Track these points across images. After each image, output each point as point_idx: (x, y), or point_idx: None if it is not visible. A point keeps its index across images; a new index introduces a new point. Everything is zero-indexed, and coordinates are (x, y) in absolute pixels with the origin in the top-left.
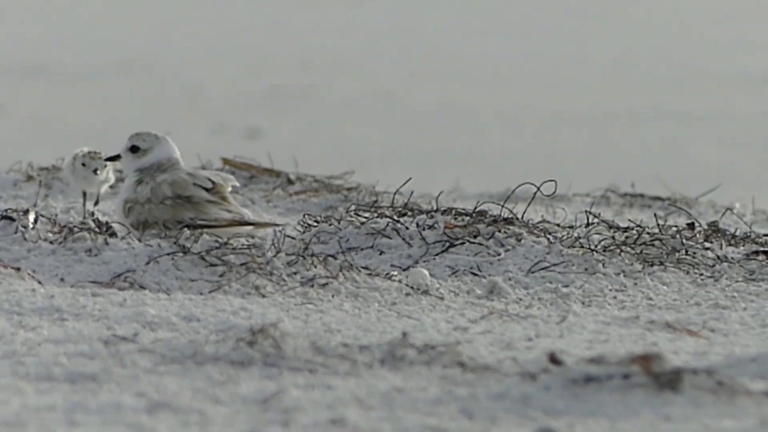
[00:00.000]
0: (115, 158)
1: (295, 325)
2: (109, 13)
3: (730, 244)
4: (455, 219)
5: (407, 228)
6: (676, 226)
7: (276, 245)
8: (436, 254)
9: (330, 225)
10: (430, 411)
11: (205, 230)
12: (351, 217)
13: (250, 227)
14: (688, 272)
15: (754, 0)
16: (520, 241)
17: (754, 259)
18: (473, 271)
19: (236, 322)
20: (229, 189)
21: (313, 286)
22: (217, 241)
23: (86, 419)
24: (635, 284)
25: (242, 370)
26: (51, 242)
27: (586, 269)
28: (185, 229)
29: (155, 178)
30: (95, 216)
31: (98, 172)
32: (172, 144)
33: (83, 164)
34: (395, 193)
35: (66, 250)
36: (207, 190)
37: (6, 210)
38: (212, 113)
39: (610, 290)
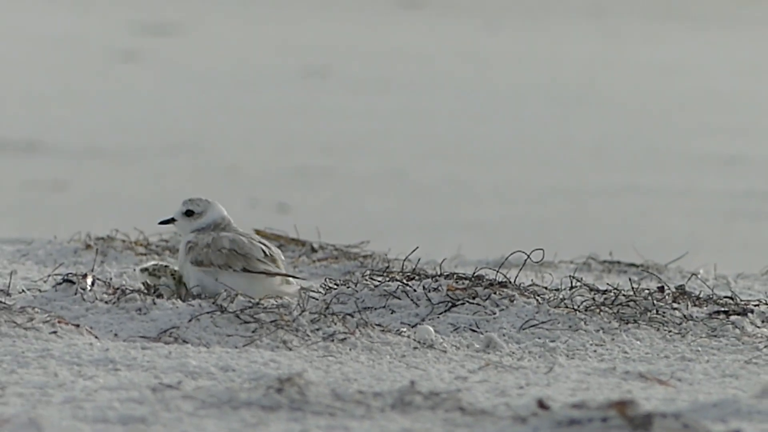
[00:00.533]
0: (168, 221)
1: (318, 374)
2: (159, 102)
3: (695, 305)
4: (457, 282)
5: (415, 290)
6: (648, 289)
7: (301, 305)
8: (440, 313)
9: (348, 288)
10: None
11: (247, 273)
12: (366, 280)
13: (286, 280)
14: (658, 329)
15: (715, 90)
16: (512, 301)
17: (716, 318)
18: (472, 327)
19: (266, 372)
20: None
21: (333, 340)
22: (250, 301)
23: None
24: (612, 339)
25: (271, 413)
26: (106, 302)
27: (570, 326)
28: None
29: (218, 232)
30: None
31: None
32: (221, 207)
33: (145, 283)
34: (405, 260)
35: (119, 309)
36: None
37: (67, 274)
38: (247, 189)
39: (591, 345)
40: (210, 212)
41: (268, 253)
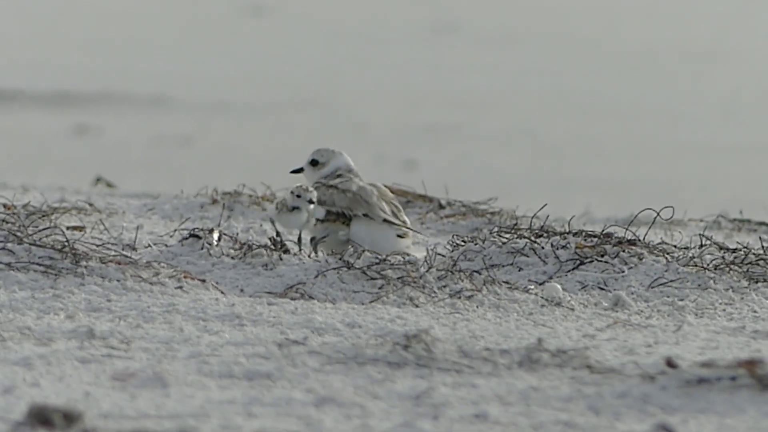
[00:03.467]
0: (298, 171)
1: (444, 331)
2: (287, 57)
3: None
4: (585, 240)
5: (543, 248)
6: None
7: (428, 262)
8: (568, 271)
9: (475, 245)
10: (562, 407)
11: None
12: (494, 237)
13: (404, 233)
14: None
15: None
16: (641, 260)
17: None
18: (600, 286)
19: (393, 329)
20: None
21: (460, 297)
22: (377, 257)
23: (262, 412)
24: (742, 299)
25: (398, 370)
26: (232, 258)
27: (699, 285)
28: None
29: (351, 178)
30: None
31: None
32: (347, 157)
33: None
34: (533, 217)
35: (245, 264)
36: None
37: (194, 229)
38: (375, 145)
39: (720, 304)
40: (334, 161)
41: (394, 209)
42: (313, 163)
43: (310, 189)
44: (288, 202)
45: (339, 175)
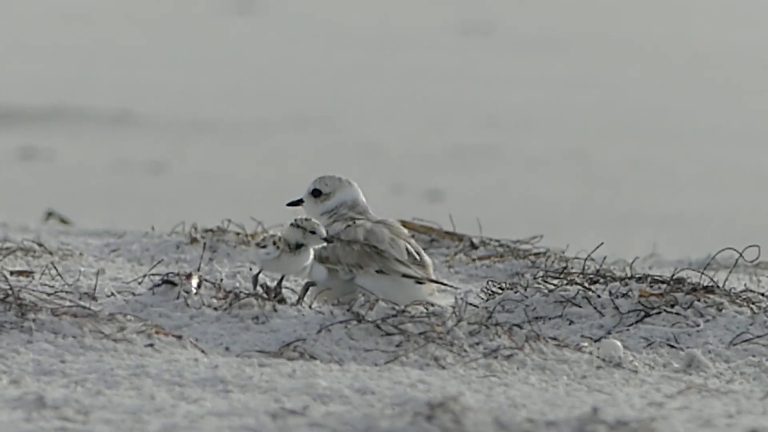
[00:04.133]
0: (297, 203)
1: (477, 399)
2: (281, 65)
3: None
4: (651, 287)
5: (599, 296)
6: None
7: (457, 313)
8: (630, 324)
9: (516, 292)
10: None
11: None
12: (538, 284)
13: (435, 289)
14: None
15: None
16: (721, 311)
17: None
18: (670, 342)
19: (414, 395)
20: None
21: (496, 357)
22: (394, 308)
23: None
24: None
25: None
26: (215, 309)
27: None
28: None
29: (355, 220)
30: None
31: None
32: (357, 188)
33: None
34: (586, 259)
35: (231, 317)
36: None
37: (168, 274)
38: (390, 172)
39: None
40: (340, 193)
41: (414, 253)
42: (315, 193)
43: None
44: (290, 238)
45: (341, 214)
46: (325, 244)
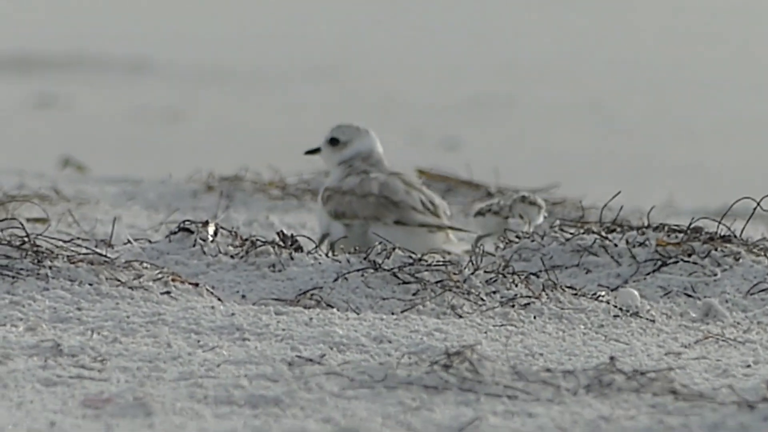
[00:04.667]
0: (314, 151)
1: (494, 347)
2: (298, 16)
3: None
4: (668, 236)
5: (616, 245)
6: None
7: (474, 262)
8: (647, 274)
9: (533, 241)
10: None
11: (402, 226)
12: (555, 233)
13: (451, 236)
14: None
15: None
16: (738, 260)
17: None
18: (687, 292)
19: (430, 344)
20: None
21: (513, 306)
22: (410, 257)
23: None
24: None
25: (436, 395)
26: (232, 256)
27: None
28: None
29: (368, 172)
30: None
31: None
32: (375, 137)
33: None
34: (603, 208)
35: (248, 264)
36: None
37: (184, 221)
38: (407, 122)
39: None
40: (357, 142)
41: (427, 203)
42: (333, 142)
43: None
44: None
45: (366, 161)
46: None
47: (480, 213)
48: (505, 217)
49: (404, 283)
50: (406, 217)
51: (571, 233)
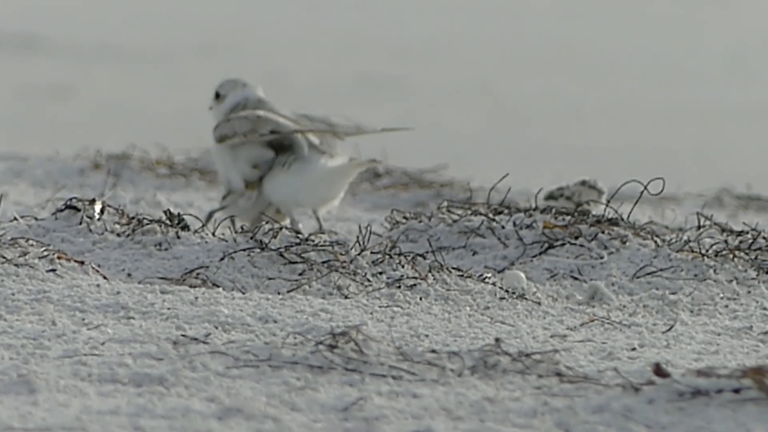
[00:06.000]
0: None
1: (380, 328)
2: None
3: None
4: (555, 218)
5: (503, 227)
6: None
7: (361, 242)
8: (534, 256)
9: (420, 222)
10: (524, 423)
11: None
12: (443, 214)
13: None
14: None
15: None
16: (625, 243)
17: None
18: (573, 274)
19: (316, 324)
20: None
21: (399, 287)
22: (297, 237)
23: (152, 424)
24: (749, 292)
25: (321, 375)
26: (118, 235)
27: (695, 275)
28: (264, 220)
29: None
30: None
31: None
32: (252, 87)
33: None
34: (491, 190)
35: (134, 243)
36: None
37: (71, 199)
38: (296, 99)
39: (722, 298)
40: (232, 94)
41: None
42: (216, 96)
43: None
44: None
45: (246, 107)
46: None
47: (551, 197)
48: (576, 202)
49: (290, 263)
50: (281, 126)
51: (458, 214)
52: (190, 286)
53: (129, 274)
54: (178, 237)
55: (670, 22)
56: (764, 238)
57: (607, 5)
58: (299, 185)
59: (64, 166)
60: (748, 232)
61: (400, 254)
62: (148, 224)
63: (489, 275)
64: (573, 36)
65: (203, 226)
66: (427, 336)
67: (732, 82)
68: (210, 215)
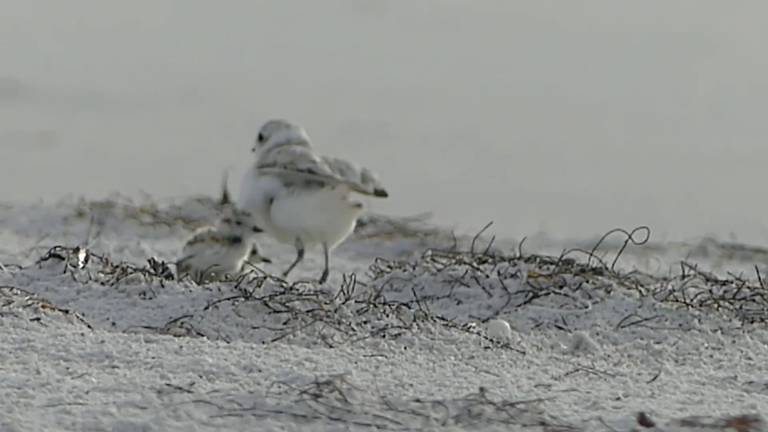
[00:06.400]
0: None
1: (364, 377)
2: (171, 40)
3: None
4: (540, 268)
5: (488, 276)
6: None
7: (345, 292)
8: (519, 305)
9: (404, 271)
10: None
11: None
12: (427, 263)
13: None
14: None
15: None
16: (609, 293)
17: None
18: (558, 324)
19: (300, 374)
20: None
21: (384, 336)
22: (281, 286)
23: None
24: (733, 342)
25: (306, 424)
26: (102, 283)
27: (680, 325)
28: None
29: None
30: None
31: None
32: (296, 128)
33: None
34: (475, 239)
35: (118, 292)
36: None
37: (54, 247)
38: None
39: (706, 348)
40: (276, 134)
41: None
42: (259, 137)
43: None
44: (225, 233)
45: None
46: (257, 233)
47: None
48: None
49: (275, 312)
50: (317, 167)
51: (442, 263)
52: (175, 335)
53: (113, 323)
54: (162, 286)
55: (655, 70)
56: (749, 287)
57: (591, 53)
58: (305, 211)
59: (48, 214)
60: (732, 282)
61: (384, 303)
62: (132, 273)
63: (474, 325)
64: (557, 83)
65: (178, 272)
66: (411, 385)
67: (716, 130)
68: (178, 265)
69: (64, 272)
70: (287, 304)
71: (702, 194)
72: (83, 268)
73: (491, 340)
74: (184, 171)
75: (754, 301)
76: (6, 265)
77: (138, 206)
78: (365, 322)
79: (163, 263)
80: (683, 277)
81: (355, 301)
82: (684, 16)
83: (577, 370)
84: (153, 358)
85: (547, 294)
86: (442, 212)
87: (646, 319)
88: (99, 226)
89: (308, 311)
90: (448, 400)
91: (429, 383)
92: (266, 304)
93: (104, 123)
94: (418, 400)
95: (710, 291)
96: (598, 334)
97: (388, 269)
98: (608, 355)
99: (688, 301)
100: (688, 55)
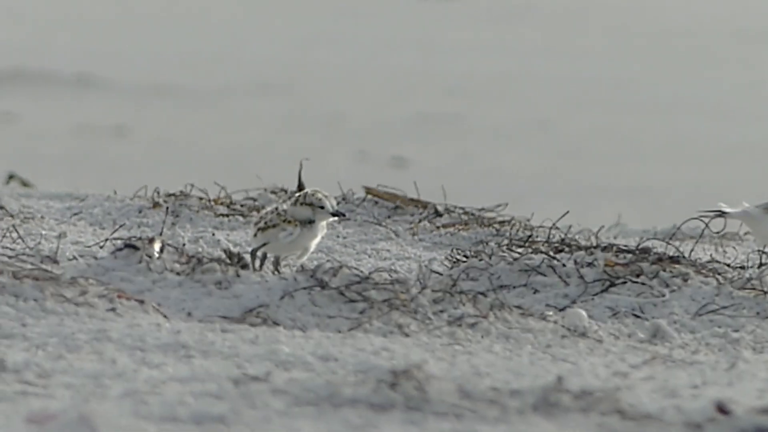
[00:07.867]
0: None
1: (441, 367)
2: (243, 32)
3: None
4: (616, 256)
5: (564, 265)
6: None
7: (422, 281)
8: (595, 294)
9: (480, 260)
10: None
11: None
12: (503, 252)
13: None
14: None
15: None
16: (686, 281)
17: None
18: (635, 312)
19: (377, 363)
20: None
21: (461, 325)
22: (358, 275)
23: None
24: None
25: (383, 414)
26: (178, 273)
27: (758, 313)
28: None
29: None
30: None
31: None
32: None
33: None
34: (551, 228)
35: (194, 282)
36: None
37: (130, 238)
38: (354, 140)
39: None
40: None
41: None
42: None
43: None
44: (299, 216)
45: None
46: (334, 218)
47: None
48: None
49: (351, 301)
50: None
51: (519, 253)
52: (251, 325)
53: (189, 313)
54: (238, 276)
55: (726, 58)
56: None
57: (663, 42)
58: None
59: (123, 205)
60: None
61: (461, 292)
62: (207, 263)
63: (550, 313)
64: (630, 74)
65: (253, 262)
66: (488, 374)
67: None
68: (253, 254)
69: (140, 262)
70: (363, 293)
71: None
72: (158, 258)
73: (568, 329)
74: (255, 162)
75: None
76: (81, 256)
77: (212, 197)
78: (442, 311)
79: (238, 253)
80: (760, 265)
81: (432, 291)
82: (758, 11)
83: (655, 358)
84: (229, 347)
85: (624, 282)
86: (516, 203)
87: (723, 308)
88: (174, 217)
89: (384, 300)
90: (525, 389)
91: (506, 372)
92: (342, 294)
93: (177, 115)
94: (495, 389)
95: None
96: (675, 322)
97: (464, 259)
98: (686, 344)
99: (765, 289)
100: (761, 48)
